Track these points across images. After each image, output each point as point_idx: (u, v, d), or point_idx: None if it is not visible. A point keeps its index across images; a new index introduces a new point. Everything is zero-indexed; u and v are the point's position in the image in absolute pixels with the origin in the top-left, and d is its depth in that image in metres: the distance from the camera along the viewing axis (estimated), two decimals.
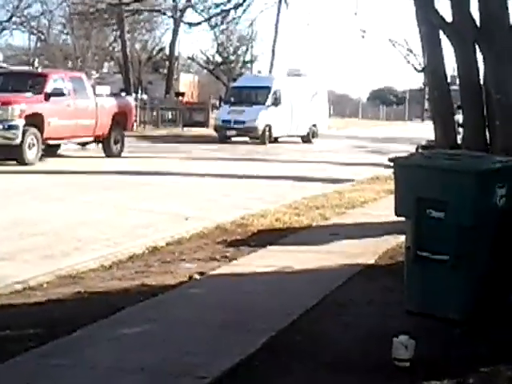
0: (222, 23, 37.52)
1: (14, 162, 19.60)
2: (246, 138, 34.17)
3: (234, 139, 34.21)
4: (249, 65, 57.54)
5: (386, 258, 9.09)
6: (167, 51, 55.34)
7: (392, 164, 7.08)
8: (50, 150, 22.06)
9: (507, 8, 9.24)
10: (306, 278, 8.12)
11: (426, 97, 55.41)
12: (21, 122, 19.75)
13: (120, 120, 24.28)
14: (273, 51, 52.55)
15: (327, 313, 6.82)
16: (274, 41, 52.60)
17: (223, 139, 33.92)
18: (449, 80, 10.39)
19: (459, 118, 11.19)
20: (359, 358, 5.64)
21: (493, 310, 6.61)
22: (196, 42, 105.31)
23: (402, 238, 7.46)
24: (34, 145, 20.14)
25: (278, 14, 50.14)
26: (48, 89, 21.17)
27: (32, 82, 21.90)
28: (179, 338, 6.03)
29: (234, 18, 37.54)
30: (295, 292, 7.53)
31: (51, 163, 20.73)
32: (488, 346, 5.98)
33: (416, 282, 6.76)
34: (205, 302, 7.19)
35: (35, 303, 7.01)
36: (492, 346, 5.97)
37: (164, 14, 48.39)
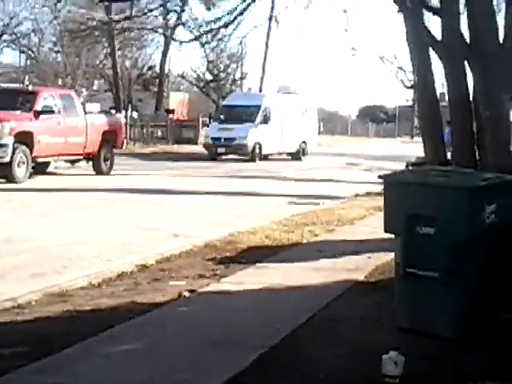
0: (212, 41, 37.60)
1: (4, 180, 19.55)
2: (236, 156, 34.19)
3: (224, 157, 34.24)
4: (239, 82, 57.60)
5: (377, 275, 9.09)
6: (157, 69, 55.43)
7: (382, 181, 7.09)
8: (40, 168, 22.02)
9: (497, 25, 9.29)
10: (296, 295, 8.11)
11: (416, 114, 55.63)
12: (10, 140, 19.70)
13: (110, 138, 24.26)
14: (263, 69, 52.64)
15: (318, 329, 6.81)
16: (265, 58, 52.70)
17: (213, 156, 33.96)
18: (438, 97, 10.43)
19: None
20: (349, 374, 5.62)
21: (483, 327, 6.61)
22: (186, 60, 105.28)
23: (392, 254, 7.46)
24: (23, 163, 20.10)
25: (268, 32, 50.23)
26: (38, 107, 21.16)
27: (22, 100, 21.86)
28: (169, 355, 6.00)
29: (224, 36, 37.64)
30: (285, 309, 7.52)
31: (41, 181, 20.70)
32: (477, 363, 5.97)
33: (406, 298, 6.76)
34: (195, 319, 7.16)
35: (25, 321, 6.97)
36: (481, 363, 5.96)
37: (155, 31, 48.43)
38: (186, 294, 8.12)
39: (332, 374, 5.60)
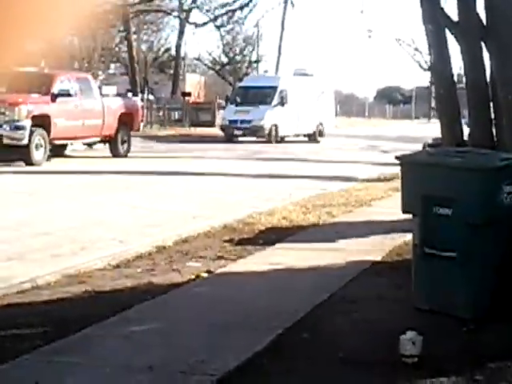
0: (227, 23, 37.56)
1: (22, 163, 19.65)
2: (253, 138, 34.20)
3: (240, 139, 34.25)
4: (255, 65, 57.51)
5: (394, 255, 9.09)
6: (173, 52, 55.41)
7: (399, 162, 7.09)
8: (57, 151, 22.12)
9: None
10: (314, 276, 8.12)
11: (433, 95, 55.48)
12: (28, 123, 19.81)
13: (127, 120, 24.32)
14: (279, 51, 52.60)
15: (335, 310, 6.83)
16: (280, 40, 52.66)
17: (230, 139, 33.99)
18: (455, 79, 10.39)
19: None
20: (367, 354, 5.63)
21: (501, 308, 6.60)
22: (202, 43, 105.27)
23: (410, 235, 7.46)
24: (41, 145, 20.21)
25: (283, 14, 50.18)
26: (55, 90, 21.24)
27: (39, 83, 21.93)
28: (187, 336, 6.03)
29: (239, 19, 37.57)
30: (303, 289, 7.53)
31: (58, 163, 20.79)
32: (495, 342, 5.97)
33: (424, 278, 6.76)
34: (212, 300, 7.19)
35: (43, 302, 7.02)
36: (499, 343, 5.96)
37: (170, 14, 48.40)
38: (204, 274, 8.15)
39: (350, 354, 5.61)
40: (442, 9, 9.89)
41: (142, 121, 27.11)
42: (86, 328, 6.07)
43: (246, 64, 57.29)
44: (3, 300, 7.07)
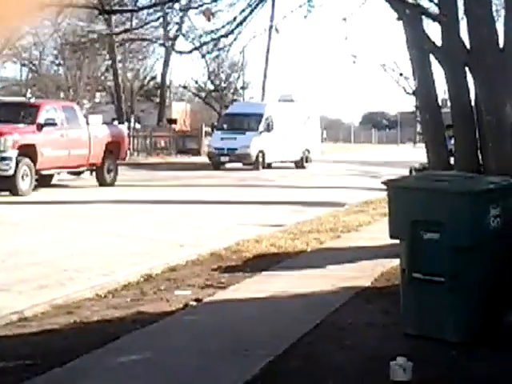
0: (213, 51, 37.69)
1: (8, 193, 19.57)
2: (240, 165, 34.22)
3: (227, 166, 34.28)
4: (241, 91, 57.63)
5: (383, 281, 9.08)
6: (159, 80, 55.49)
7: (386, 187, 7.10)
8: (44, 180, 22.05)
9: (496, 31, 9.29)
10: (303, 302, 8.10)
11: (418, 119, 55.54)
12: (14, 153, 19.74)
13: (113, 149, 24.30)
14: (264, 77, 52.71)
15: (325, 336, 6.80)
16: (266, 67, 52.78)
17: (217, 166, 34.00)
18: (440, 103, 10.43)
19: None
20: (358, 380, 5.61)
21: (490, 332, 6.60)
22: (188, 70, 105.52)
23: (398, 260, 7.45)
24: (27, 175, 20.12)
25: (268, 40, 50.33)
26: (41, 119, 21.20)
27: (24, 113, 21.92)
28: (176, 365, 6.00)
29: (224, 46, 37.65)
30: (292, 316, 7.51)
31: (45, 193, 20.71)
32: (485, 366, 5.96)
33: (412, 304, 6.75)
34: (201, 328, 7.16)
35: (31, 334, 6.97)
36: (489, 368, 5.95)
37: (155, 42, 48.55)
38: (193, 303, 8.12)
39: (341, 381, 5.59)
40: (425, 33, 9.94)
41: (128, 149, 27.10)
42: (74, 360, 6.03)
43: (231, 90, 57.40)
44: None
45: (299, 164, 36.89)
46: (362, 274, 9.52)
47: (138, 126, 43.82)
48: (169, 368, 5.91)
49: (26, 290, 8.77)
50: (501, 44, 9.27)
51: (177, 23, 47.90)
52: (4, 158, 19.56)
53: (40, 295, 8.47)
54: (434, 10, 10.16)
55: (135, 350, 6.41)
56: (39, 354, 6.27)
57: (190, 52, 16.62)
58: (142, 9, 17.35)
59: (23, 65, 52.62)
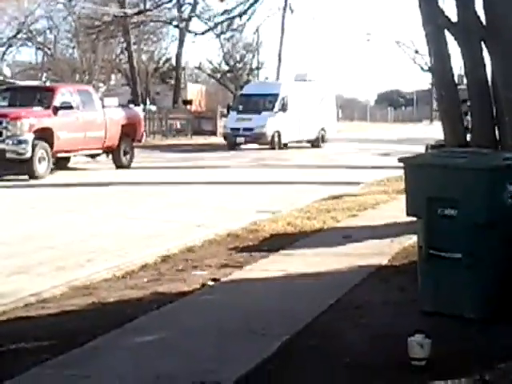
0: (227, 31, 37.53)
1: (25, 177, 19.67)
2: (256, 145, 34.20)
3: (243, 146, 34.27)
4: (255, 72, 57.55)
5: (400, 259, 9.07)
6: (174, 61, 55.45)
7: (402, 164, 7.06)
8: (61, 163, 22.15)
9: None
10: (320, 281, 8.10)
11: (434, 97, 55.30)
12: (30, 137, 19.83)
13: (129, 131, 24.33)
14: (279, 57, 52.60)
15: (342, 315, 6.80)
16: (280, 46, 52.66)
17: (232, 147, 33.99)
18: (456, 79, 10.37)
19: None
20: (376, 358, 5.61)
21: (507, 307, 6.57)
22: (202, 52, 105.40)
23: (415, 237, 7.43)
24: (44, 158, 20.21)
25: (282, 20, 50.19)
26: (56, 102, 21.24)
27: (40, 97, 21.98)
28: (194, 345, 6.01)
29: (239, 26, 37.57)
30: (309, 295, 7.51)
31: (62, 176, 20.80)
32: (504, 343, 5.94)
33: (430, 281, 6.73)
34: (218, 308, 7.17)
35: (49, 315, 7.01)
36: (508, 344, 5.93)
37: (169, 23, 48.42)
38: (210, 283, 8.13)
39: (358, 359, 5.59)
40: (440, 9, 9.87)
41: (144, 131, 27.13)
42: (93, 340, 6.06)
43: (246, 71, 57.34)
44: (10, 314, 7.06)
45: (315, 143, 36.82)
46: (379, 252, 9.50)
47: (153, 107, 43.84)
48: (185, 348, 5.92)
49: (44, 272, 8.82)
50: None
51: (190, 4, 47.80)
52: (21, 142, 19.66)
53: (58, 277, 8.52)
54: None
55: (152, 330, 6.42)
56: (58, 335, 6.31)
57: (205, 32, 16.58)
58: None
59: (38, 48, 52.76)
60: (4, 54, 51.15)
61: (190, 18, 45.44)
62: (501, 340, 6.01)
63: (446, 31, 9.76)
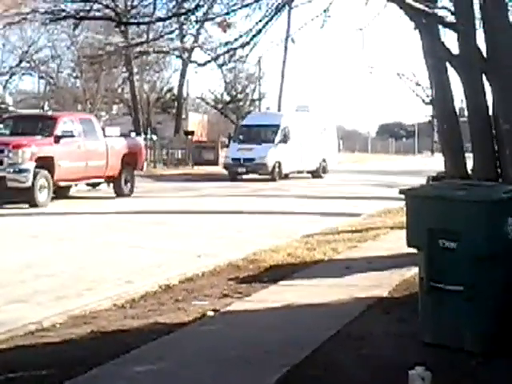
0: (229, 62, 37.75)
1: (26, 205, 19.67)
2: (256, 175, 34.23)
3: (244, 177, 34.30)
4: (257, 102, 57.74)
5: (401, 290, 9.05)
6: (176, 91, 55.64)
7: (403, 196, 7.07)
8: (61, 192, 22.17)
9: None
10: (320, 312, 8.08)
11: (435, 129, 55.42)
12: (31, 165, 19.87)
13: (130, 160, 24.39)
14: (281, 88, 52.74)
15: (342, 346, 6.78)
16: (282, 77, 52.82)
17: (234, 177, 34.02)
18: (457, 112, 10.41)
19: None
20: None
21: (508, 341, 6.54)
22: (204, 82, 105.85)
23: (416, 269, 7.42)
24: (44, 187, 20.24)
25: (285, 51, 50.40)
26: (58, 131, 21.32)
27: (42, 125, 22.07)
28: (193, 375, 5.99)
29: (241, 57, 37.70)
30: (309, 326, 7.49)
31: (62, 205, 20.81)
32: (505, 377, 5.92)
33: (431, 313, 6.71)
34: (218, 338, 7.15)
35: (49, 344, 6.99)
36: (507, 378, 5.91)
37: (172, 54, 48.69)
38: (210, 313, 8.11)
39: None
40: (442, 42, 9.94)
41: (145, 160, 27.17)
42: (92, 369, 6.04)
43: (248, 102, 57.54)
44: (10, 342, 7.05)
45: (316, 174, 36.85)
46: (380, 284, 9.48)
47: (154, 137, 43.93)
48: (184, 378, 5.90)
49: (44, 301, 8.80)
50: None
51: (193, 35, 48.05)
52: (22, 170, 19.70)
53: (58, 306, 8.50)
54: (451, 18, 10.16)
55: (153, 360, 6.40)
56: (57, 363, 6.28)
57: (207, 63, 16.63)
58: (158, 20, 17.43)
59: (41, 77, 52.95)
60: (7, 82, 51.41)
61: (192, 49, 45.69)
62: (502, 374, 5.99)
63: (447, 63, 9.81)
